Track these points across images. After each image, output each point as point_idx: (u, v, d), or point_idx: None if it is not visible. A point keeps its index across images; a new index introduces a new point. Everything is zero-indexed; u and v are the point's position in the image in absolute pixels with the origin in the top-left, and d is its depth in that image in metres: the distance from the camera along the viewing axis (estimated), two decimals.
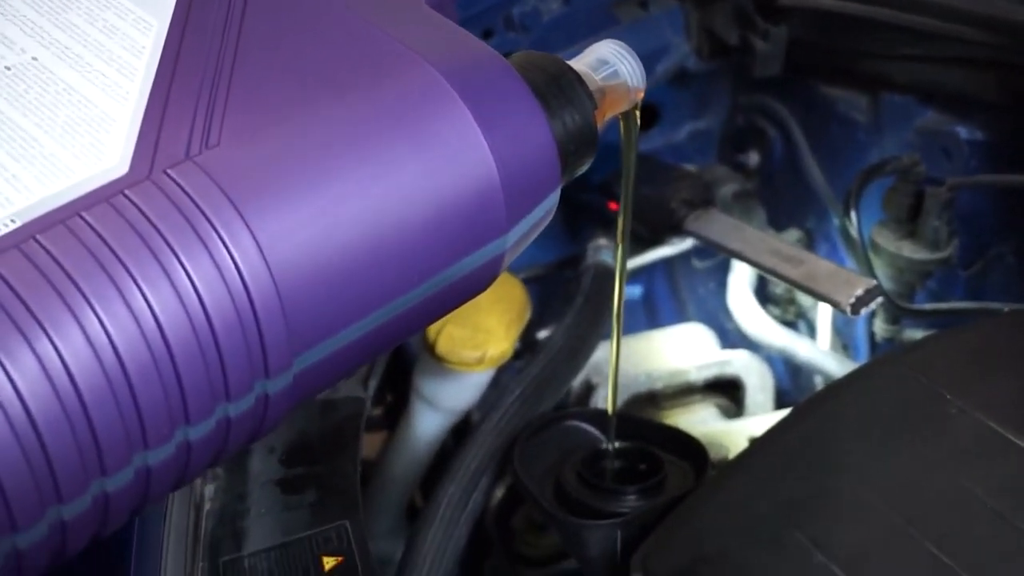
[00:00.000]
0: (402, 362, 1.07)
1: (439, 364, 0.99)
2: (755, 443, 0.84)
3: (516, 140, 0.60)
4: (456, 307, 0.63)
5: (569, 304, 1.10)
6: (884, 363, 0.87)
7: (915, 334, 1.12)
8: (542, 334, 1.12)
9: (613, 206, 1.16)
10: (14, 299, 0.47)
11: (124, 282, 0.49)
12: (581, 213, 1.20)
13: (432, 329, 0.98)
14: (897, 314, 1.10)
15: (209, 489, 0.81)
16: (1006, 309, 1.00)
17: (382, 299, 0.57)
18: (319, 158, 0.55)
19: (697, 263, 1.29)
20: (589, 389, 1.12)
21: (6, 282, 0.47)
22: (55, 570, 0.51)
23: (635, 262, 1.20)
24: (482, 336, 0.98)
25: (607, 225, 1.18)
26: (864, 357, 1.18)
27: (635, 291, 1.24)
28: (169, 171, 0.52)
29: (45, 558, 0.49)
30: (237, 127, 0.55)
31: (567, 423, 0.95)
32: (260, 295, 0.52)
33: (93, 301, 0.48)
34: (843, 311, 0.95)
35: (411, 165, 0.56)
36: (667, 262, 1.27)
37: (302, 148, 0.55)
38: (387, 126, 0.56)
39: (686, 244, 1.23)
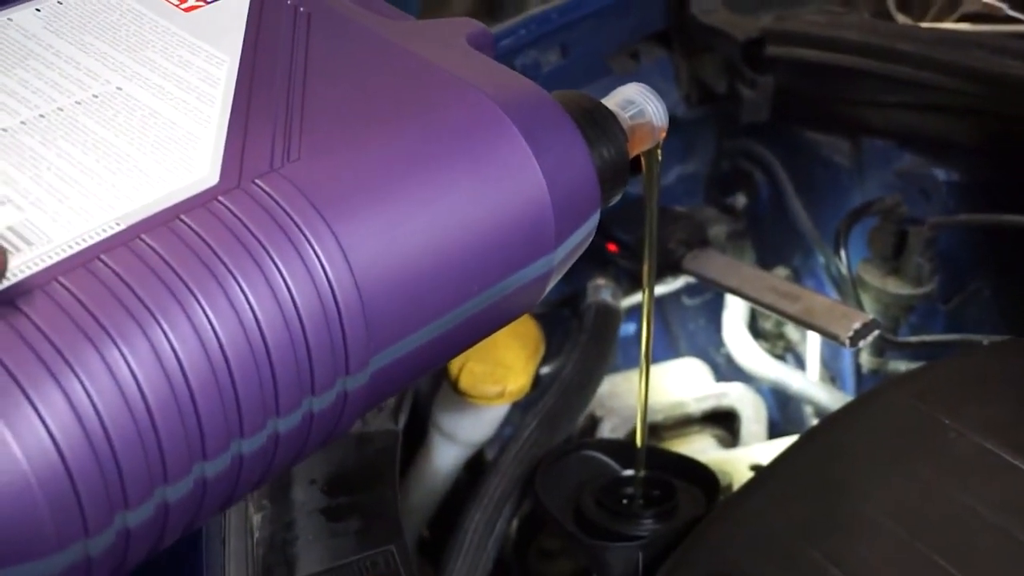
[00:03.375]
0: (418, 398, 1.12)
1: (460, 398, 1.03)
2: (767, 468, 0.89)
3: (562, 164, 0.64)
4: (509, 321, 0.67)
5: (572, 341, 1.15)
6: (884, 392, 0.92)
7: (898, 365, 1.17)
8: (544, 369, 1.16)
9: (611, 247, 1.21)
10: (128, 292, 0.51)
11: (224, 278, 0.52)
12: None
13: (454, 365, 1.02)
14: (883, 346, 1.15)
15: (256, 519, 0.84)
16: (985, 341, 1.06)
17: (447, 306, 0.60)
18: (390, 172, 0.59)
19: (687, 301, 1.34)
20: (594, 422, 1.17)
21: (119, 276, 0.51)
22: None
23: (629, 301, 1.25)
24: (502, 371, 1.03)
25: (605, 265, 1.23)
26: (851, 388, 1.23)
27: (629, 328, 1.28)
28: (257, 180, 0.56)
29: (112, 565, 0.52)
30: (314, 145, 0.59)
31: (584, 452, 1.00)
32: (344, 295, 0.55)
33: (198, 295, 0.52)
34: (842, 343, 1.00)
35: (471, 182, 0.60)
36: (659, 301, 1.32)
37: (375, 162, 0.59)
38: (448, 146, 0.61)
39: (678, 283, 1.29)
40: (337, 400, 0.57)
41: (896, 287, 1.14)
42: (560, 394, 1.07)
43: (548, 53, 1.19)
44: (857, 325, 1.00)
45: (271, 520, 0.85)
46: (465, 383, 1.02)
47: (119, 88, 0.62)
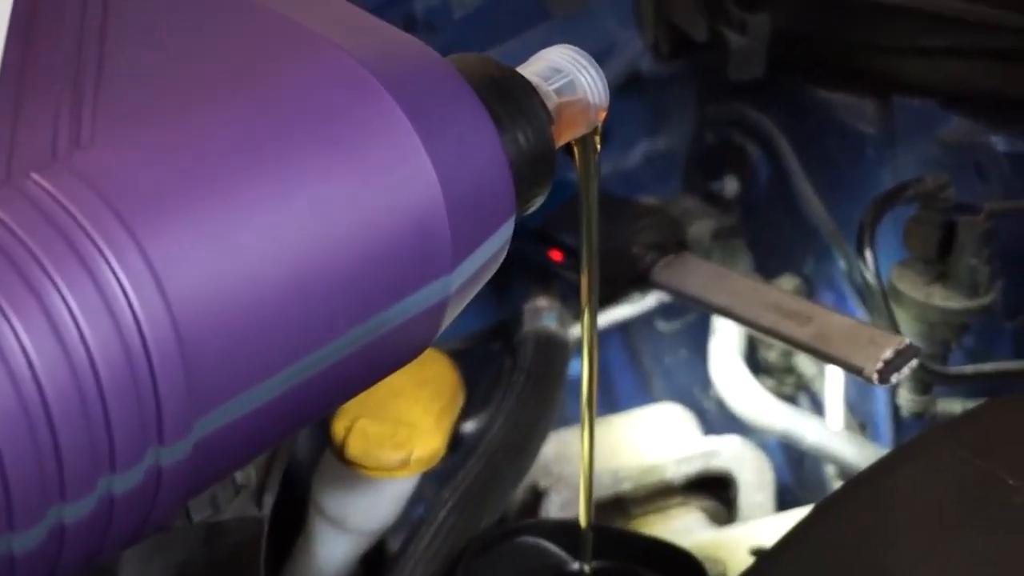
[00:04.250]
0: (292, 471, 1.12)
1: (349, 471, 1.03)
2: (773, 550, 0.89)
3: (461, 152, 0.65)
4: (388, 371, 0.67)
5: (504, 385, 1.16)
6: (927, 443, 0.93)
7: (951, 405, 1.18)
8: (466, 427, 1.18)
9: (555, 255, 1.22)
10: None
11: None
12: (512, 267, 1.24)
13: (339, 426, 1.02)
14: (929, 380, 1.16)
15: None
16: None
17: (302, 348, 0.60)
18: (220, 163, 0.59)
19: (662, 325, 1.36)
20: (537, 496, 1.18)
21: None
22: None
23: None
24: (405, 431, 1.03)
25: (547, 281, 1.25)
26: (887, 438, 1.25)
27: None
28: (34, 175, 0.55)
29: None
30: (115, 125, 0.59)
31: (520, 539, 1.01)
32: (155, 333, 0.55)
33: None
34: (868, 379, 1.01)
35: (332, 176, 0.61)
36: (625, 326, 1.34)
37: (198, 148, 0.59)
38: (301, 126, 0.61)
39: (648, 302, 1.30)
40: (147, 480, 0.57)
41: (943, 299, 1.15)
42: (488, 459, 1.08)
43: None
44: (889, 353, 1.01)
45: None
46: (355, 449, 1.02)
47: None
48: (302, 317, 0.60)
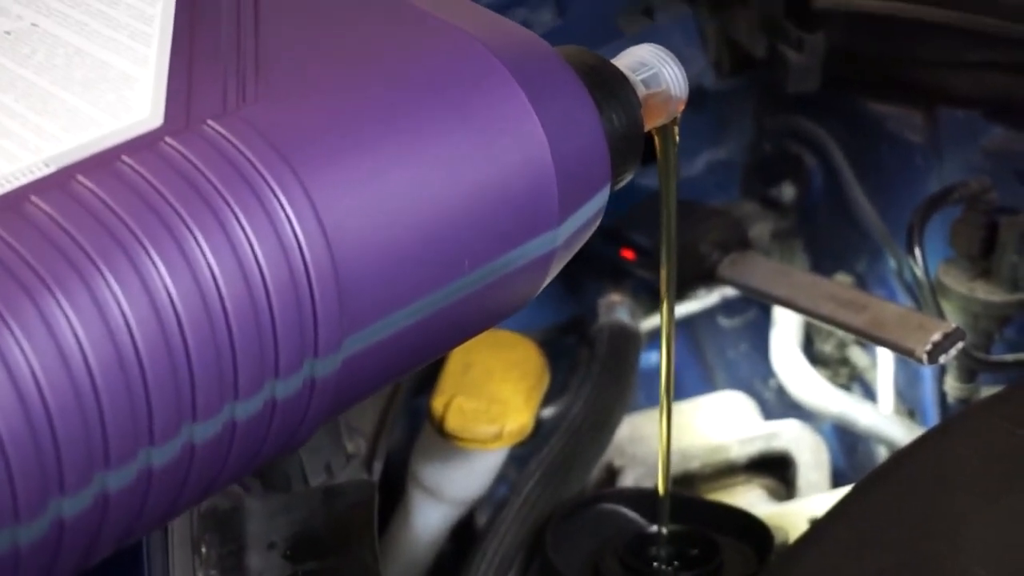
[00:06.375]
0: (389, 455, 1.18)
1: (446, 443, 1.11)
2: (831, 512, 0.94)
3: (567, 122, 0.71)
4: (503, 315, 0.74)
5: (582, 373, 1.24)
6: (970, 417, 0.99)
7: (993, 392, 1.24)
8: (546, 412, 1.24)
9: (627, 254, 1.30)
10: (66, 238, 0.56)
11: (177, 227, 0.58)
12: (584, 265, 1.28)
13: (439, 403, 1.11)
14: (974, 368, 1.22)
15: None
16: None
17: (433, 283, 0.67)
18: (366, 118, 0.65)
19: (724, 321, 1.44)
20: (612, 474, 1.25)
21: (55, 221, 0.56)
22: None
23: (652, 322, 1.34)
24: (498, 408, 1.11)
25: (619, 278, 1.32)
26: (934, 422, 1.30)
27: (653, 357, 1.37)
28: (210, 122, 0.62)
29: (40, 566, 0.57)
30: (274, 86, 0.66)
31: (602, 506, 1.08)
32: (314, 256, 0.61)
33: (148, 245, 0.57)
34: (919, 360, 1.08)
35: (460, 134, 0.67)
36: (690, 321, 1.41)
37: (347, 107, 0.66)
38: (434, 92, 0.68)
39: (712, 298, 1.38)
40: (304, 388, 0.64)
41: (986, 293, 1.20)
42: (570, 436, 1.16)
43: (541, 11, 1.28)
44: (937, 336, 1.08)
45: None
46: (453, 423, 1.10)
47: (34, 25, 0.70)
48: (432, 255, 0.66)
